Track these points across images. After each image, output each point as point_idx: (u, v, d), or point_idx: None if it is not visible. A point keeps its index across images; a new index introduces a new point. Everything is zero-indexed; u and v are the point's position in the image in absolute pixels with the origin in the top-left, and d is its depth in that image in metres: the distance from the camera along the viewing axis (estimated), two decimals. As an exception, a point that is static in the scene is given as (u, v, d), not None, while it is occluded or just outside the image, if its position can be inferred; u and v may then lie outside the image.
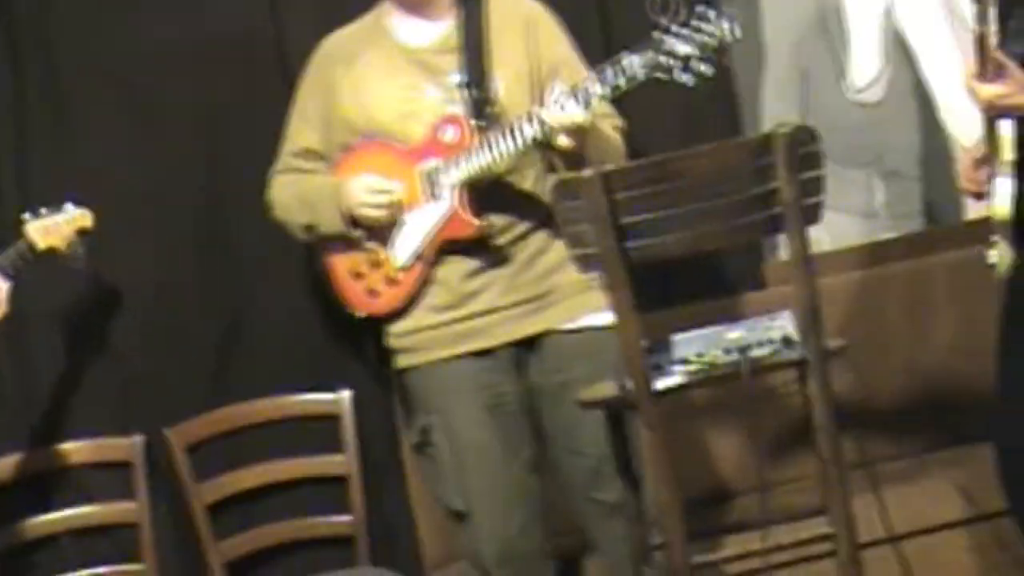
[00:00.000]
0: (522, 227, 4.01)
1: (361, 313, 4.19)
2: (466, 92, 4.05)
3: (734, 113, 5.05)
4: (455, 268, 4.06)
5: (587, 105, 3.86)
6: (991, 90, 3.59)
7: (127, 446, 4.70)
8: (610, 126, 4.10)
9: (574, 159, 3.93)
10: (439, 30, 4.13)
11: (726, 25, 3.81)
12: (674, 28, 3.80)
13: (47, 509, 4.66)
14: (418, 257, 4.09)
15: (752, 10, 5.12)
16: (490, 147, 3.93)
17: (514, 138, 3.93)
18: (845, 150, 5.14)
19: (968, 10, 3.73)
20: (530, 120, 3.91)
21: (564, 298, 4.04)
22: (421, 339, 4.14)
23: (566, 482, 4.17)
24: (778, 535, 3.88)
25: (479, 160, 3.95)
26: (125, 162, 4.83)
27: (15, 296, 4.28)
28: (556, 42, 4.15)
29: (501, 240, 4.02)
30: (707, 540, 4.14)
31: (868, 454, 4.11)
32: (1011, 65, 3.60)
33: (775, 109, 5.15)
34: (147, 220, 4.78)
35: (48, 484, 4.69)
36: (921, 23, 5.20)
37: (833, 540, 3.60)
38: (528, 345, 4.07)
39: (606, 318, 3.80)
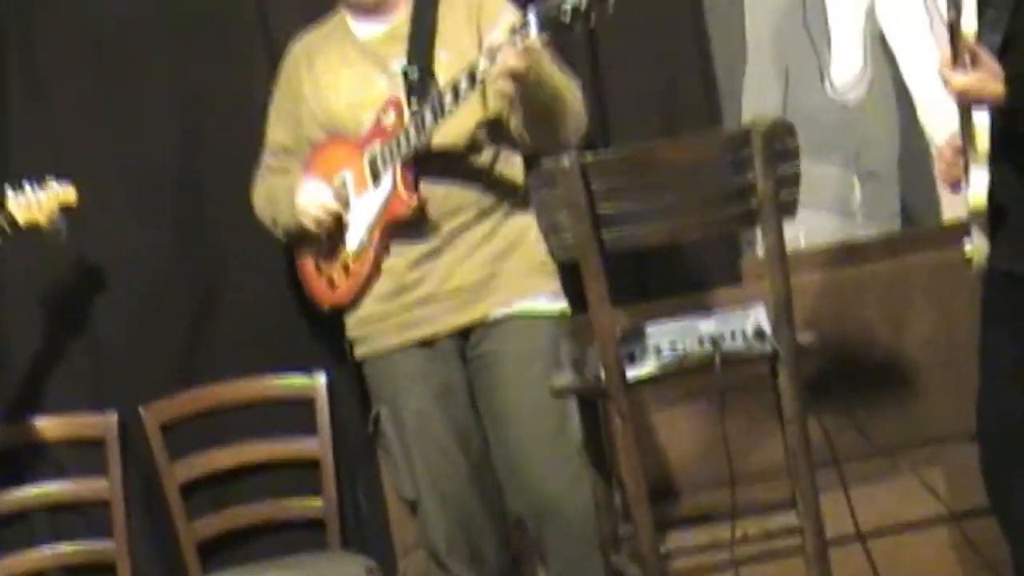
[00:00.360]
0: (470, 213, 4.02)
1: (324, 308, 4.27)
2: (405, 76, 4.08)
3: (714, 107, 5.06)
4: (402, 257, 4.09)
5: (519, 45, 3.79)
6: (964, 79, 3.63)
7: (101, 423, 4.70)
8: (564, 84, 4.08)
9: (529, 114, 3.94)
10: (390, 22, 4.18)
11: None
12: None
13: (20, 483, 4.66)
14: (366, 244, 4.13)
15: (735, 6, 5.15)
16: (422, 121, 3.95)
17: (442, 104, 3.94)
18: (824, 149, 5.16)
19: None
20: (464, 78, 3.92)
21: (504, 285, 4.04)
22: (371, 330, 4.19)
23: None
24: (747, 527, 3.91)
25: (411, 137, 3.98)
26: (103, 138, 4.85)
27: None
28: (499, 16, 4.07)
29: (446, 227, 4.04)
30: (675, 530, 4.18)
31: (839, 451, 4.08)
32: (985, 54, 3.63)
33: (756, 105, 5.15)
34: (124, 197, 4.78)
35: (21, 459, 4.69)
36: (903, 25, 5.22)
37: (801, 534, 3.60)
38: (468, 334, 4.11)
39: (541, 302, 3.97)
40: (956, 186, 4.05)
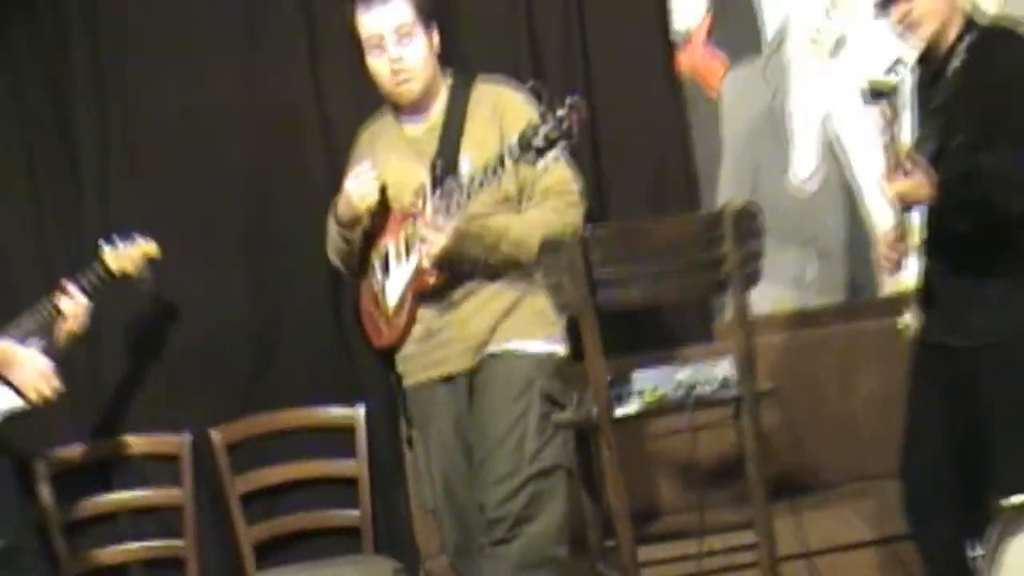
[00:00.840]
0: (483, 276, 4.09)
1: (377, 345, 4.33)
2: (433, 169, 4.14)
3: (694, 193, 5.15)
4: (431, 308, 4.15)
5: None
6: (900, 186, 3.78)
7: (177, 442, 4.85)
8: (548, 208, 4.12)
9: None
10: (429, 117, 4.23)
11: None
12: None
13: (108, 490, 4.82)
14: (402, 303, 4.20)
15: (713, 112, 5.26)
16: (445, 209, 4.03)
17: (458, 199, 4.01)
18: (784, 232, 5.15)
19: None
20: (470, 181, 4.01)
21: (506, 330, 4.09)
22: (409, 366, 4.25)
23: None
24: (712, 543, 4.04)
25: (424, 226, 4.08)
26: (185, 201, 4.95)
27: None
28: (521, 121, 4.06)
29: (464, 287, 4.10)
30: (652, 544, 4.25)
31: (791, 485, 4.39)
32: (919, 166, 3.77)
33: (729, 192, 5.18)
34: (201, 251, 4.90)
35: (110, 469, 4.85)
36: (852, 131, 5.27)
37: (756, 550, 3.71)
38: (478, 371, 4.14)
39: (532, 346, 4.06)
40: (894, 270, 4.12)
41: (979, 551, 3.54)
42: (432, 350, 4.18)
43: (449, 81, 4.27)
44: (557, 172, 4.14)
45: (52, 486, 4.70)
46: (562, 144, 3.79)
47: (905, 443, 4.17)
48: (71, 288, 4.34)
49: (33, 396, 4.10)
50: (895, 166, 3.79)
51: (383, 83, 4.20)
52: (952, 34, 3.97)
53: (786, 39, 5.32)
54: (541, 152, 3.79)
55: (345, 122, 4.87)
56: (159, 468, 4.89)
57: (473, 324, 4.11)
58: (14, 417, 4.04)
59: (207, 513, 4.90)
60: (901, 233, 4.01)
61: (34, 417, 4.25)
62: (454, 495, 4.21)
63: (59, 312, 4.32)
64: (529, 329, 4.10)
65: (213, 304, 4.96)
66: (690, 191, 5.16)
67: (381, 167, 4.23)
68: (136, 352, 4.95)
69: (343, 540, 4.89)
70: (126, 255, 4.47)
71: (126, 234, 4.54)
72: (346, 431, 4.92)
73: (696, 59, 5.27)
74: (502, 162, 3.91)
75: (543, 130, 3.76)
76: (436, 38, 4.22)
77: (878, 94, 3.85)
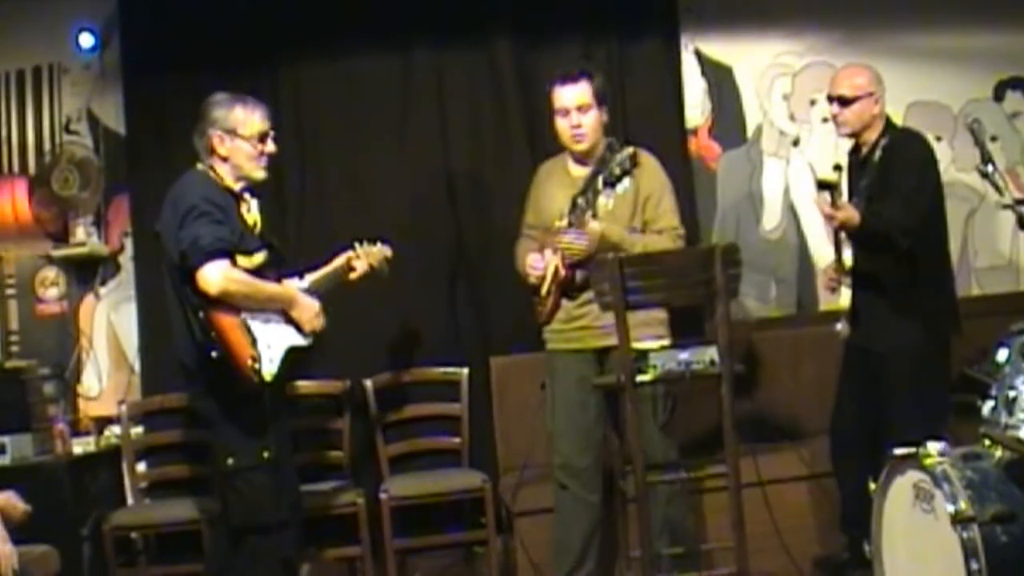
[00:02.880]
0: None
1: (538, 323, 4.23)
2: (574, 200, 4.07)
3: (695, 235, 5.12)
4: (573, 303, 4.12)
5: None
6: (840, 214, 3.85)
7: (341, 386, 4.97)
8: (653, 233, 4.08)
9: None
10: (588, 166, 4.14)
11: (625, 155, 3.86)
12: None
13: (293, 416, 4.61)
14: (550, 293, 4.15)
15: (711, 181, 5.34)
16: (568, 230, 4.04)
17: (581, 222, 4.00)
18: (756, 264, 5.25)
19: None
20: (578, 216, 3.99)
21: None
22: (552, 336, 4.23)
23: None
24: (695, 471, 4.11)
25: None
26: (354, 223, 4.80)
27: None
28: (653, 180, 4.12)
29: (588, 293, 4.04)
30: (656, 471, 4.03)
31: (753, 436, 4.30)
32: (852, 206, 3.93)
33: (719, 235, 5.29)
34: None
35: (294, 404, 4.77)
36: (804, 200, 5.34)
37: (726, 478, 3.72)
38: (605, 352, 4.09)
39: (645, 340, 3.85)
40: (832, 292, 4.32)
41: (874, 486, 3.50)
42: (571, 331, 4.16)
43: (607, 142, 4.18)
44: (668, 217, 4.17)
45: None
46: (629, 175, 3.84)
47: (834, 411, 4.31)
48: (355, 263, 4.21)
49: (307, 328, 3.91)
50: (838, 205, 3.93)
51: (563, 138, 4.19)
52: (875, 134, 4.14)
53: (761, 135, 5.45)
54: (618, 179, 3.85)
55: (465, 177, 5.04)
56: (328, 405, 5.00)
57: (602, 319, 3.97)
58: (294, 351, 3.83)
59: (359, 436, 5.02)
60: (837, 268, 4.19)
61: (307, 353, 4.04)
62: (570, 428, 4.13)
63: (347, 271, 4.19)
64: (644, 329, 3.94)
65: (379, 297, 4.86)
66: (693, 233, 5.13)
67: (551, 194, 4.23)
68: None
69: (448, 458, 5.00)
70: (373, 255, 4.27)
71: (366, 240, 4.32)
72: (454, 384, 5.04)
73: (701, 145, 5.40)
74: (595, 191, 3.95)
75: (619, 167, 3.84)
76: (606, 116, 4.19)
77: (824, 185, 4.01)
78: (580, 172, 4.19)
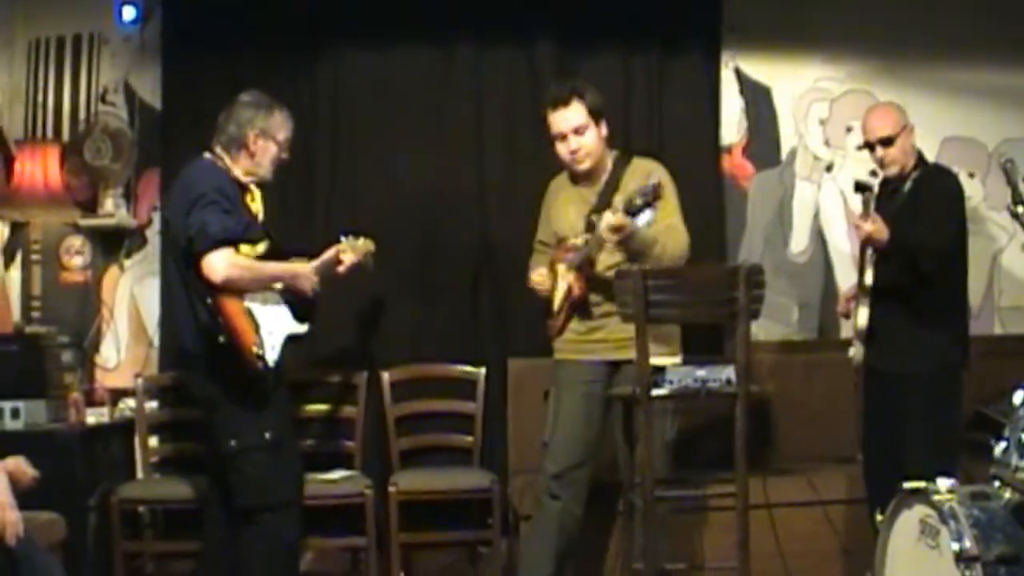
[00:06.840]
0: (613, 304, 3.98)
1: (550, 335, 4.23)
2: (588, 219, 4.09)
3: (723, 253, 5.27)
4: (582, 323, 4.12)
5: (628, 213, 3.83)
6: (869, 227, 3.97)
7: (357, 376, 5.00)
8: (664, 227, 4.01)
9: (628, 253, 3.98)
10: (599, 182, 4.14)
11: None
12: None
13: (304, 402, 4.92)
14: (560, 309, 4.18)
15: (743, 200, 5.39)
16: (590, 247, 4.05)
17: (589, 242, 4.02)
18: (780, 287, 5.30)
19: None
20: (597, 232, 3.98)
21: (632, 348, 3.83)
22: (561, 347, 4.20)
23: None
24: (706, 488, 4.23)
25: (581, 254, 4.07)
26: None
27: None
28: (668, 208, 4.05)
29: (605, 308, 4.05)
30: (666, 486, 4.00)
31: (762, 457, 4.58)
32: (881, 221, 3.99)
33: (746, 256, 5.33)
34: (385, 260, 4.65)
35: (307, 390, 4.93)
36: (834, 225, 5.42)
37: (734, 498, 3.74)
38: (616, 366, 4.09)
39: (655, 357, 3.82)
40: (846, 318, 4.36)
41: (881, 518, 3.53)
42: (584, 343, 4.15)
43: (614, 155, 4.21)
44: (677, 221, 4.14)
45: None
46: (651, 207, 3.83)
47: (862, 432, 4.35)
48: (343, 256, 4.26)
49: (307, 287, 4.00)
50: (867, 217, 4.02)
51: (564, 161, 4.19)
52: (909, 166, 4.24)
53: (796, 158, 5.49)
54: (640, 209, 3.84)
55: (497, 177, 5.09)
56: (343, 391, 5.04)
57: (617, 333, 4.00)
58: (293, 338, 3.97)
59: (372, 427, 5.05)
60: (860, 285, 4.20)
61: (304, 342, 4.21)
62: (568, 438, 4.10)
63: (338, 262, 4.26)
64: (656, 347, 3.87)
65: (402, 291, 5.07)
66: (720, 251, 5.30)
67: (561, 210, 4.25)
68: (342, 315, 5.01)
69: (459, 456, 5.03)
70: (356, 248, 4.32)
71: (351, 232, 4.38)
72: (471, 383, 5.08)
73: (734, 163, 5.45)
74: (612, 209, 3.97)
75: (641, 198, 3.83)
76: (605, 130, 4.15)
77: (861, 187, 4.11)
78: (589, 188, 4.19)
